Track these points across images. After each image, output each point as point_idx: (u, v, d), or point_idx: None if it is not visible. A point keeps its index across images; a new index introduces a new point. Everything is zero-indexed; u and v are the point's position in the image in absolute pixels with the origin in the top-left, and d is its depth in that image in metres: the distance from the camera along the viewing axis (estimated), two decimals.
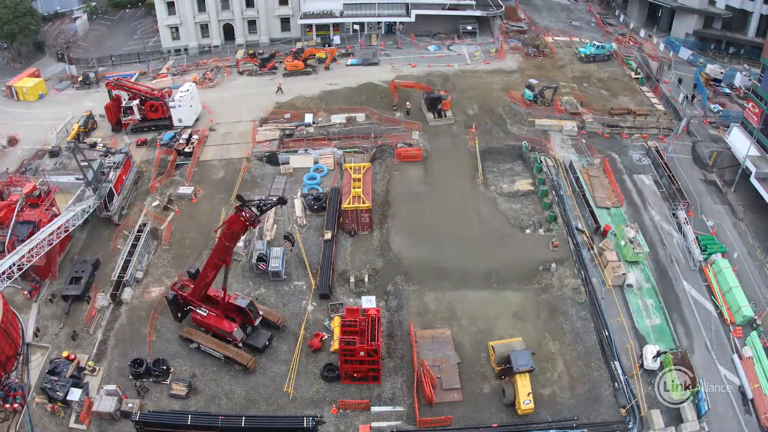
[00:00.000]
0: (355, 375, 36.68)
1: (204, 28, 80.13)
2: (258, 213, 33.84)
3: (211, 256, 36.10)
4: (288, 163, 54.97)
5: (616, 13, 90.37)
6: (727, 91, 66.52)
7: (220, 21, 79.64)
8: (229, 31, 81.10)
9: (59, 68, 76.89)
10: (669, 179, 51.56)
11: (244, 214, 33.32)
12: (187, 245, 47.00)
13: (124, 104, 59.92)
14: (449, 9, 79.92)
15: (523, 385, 34.98)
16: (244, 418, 34.45)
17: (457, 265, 44.72)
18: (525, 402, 34.57)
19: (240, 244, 46.00)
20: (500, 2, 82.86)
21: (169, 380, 37.24)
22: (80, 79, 72.73)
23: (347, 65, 73.12)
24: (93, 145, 57.93)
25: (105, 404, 35.00)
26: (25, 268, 39.12)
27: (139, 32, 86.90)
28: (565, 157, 55.40)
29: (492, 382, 37.26)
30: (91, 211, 46.79)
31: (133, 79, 66.99)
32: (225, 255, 35.68)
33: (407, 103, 61.54)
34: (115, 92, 59.98)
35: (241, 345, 38.61)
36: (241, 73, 72.56)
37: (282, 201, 34.32)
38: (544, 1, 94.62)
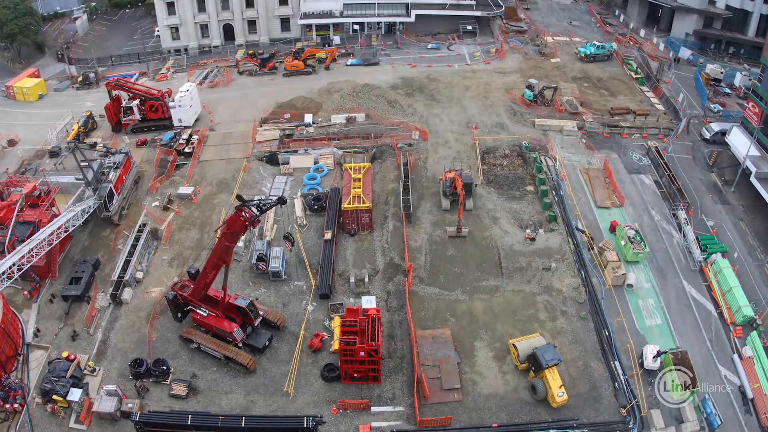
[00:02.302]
0: (355, 375, 36.67)
1: (204, 28, 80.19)
2: (258, 213, 33.87)
3: (211, 256, 36.12)
4: (288, 163, 54.99)
5: (616, 13, 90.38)
6: (727, 91, 66.45)
7: (220, 21, 79.72)
8: (229, 31, 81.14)
9: (59, 68, 76.97)
10: (669, 179, 51.56)
11: (244, 214, 33.36)
12: (187, 245, 47.02)
13: (124, 104, 59.94)
14: (449, 9, 79.98)
15: (554, 379, 35.30)
16: (244, 418, 34.46)
17: (459, 264, 44.85)
18: (559, 395, 34.85)
19: (240, 244, 46.02)
20: (500, 2, 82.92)
21: (169, 380, 37.22)
22: (80, 79, 72.79)
23: (347, 65, 73.17)
24: (93, 145, 57.96)
25: (105, 404, 34.97)
26: (25, 269, 39.09)
27: (139, 32, 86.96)
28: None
29: (491, 381, 37.31)
30: (91, 211, 46.80)
31: (133, 80, 67.03)
32: (225, 255, 35.69)
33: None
34: (115, 92, 60.02)
35: (241, 345, 38.61)
36: (241, 73, 72.61)
37: (282, 201, 34.34)
38: (544, 1, 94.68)
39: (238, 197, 34.63)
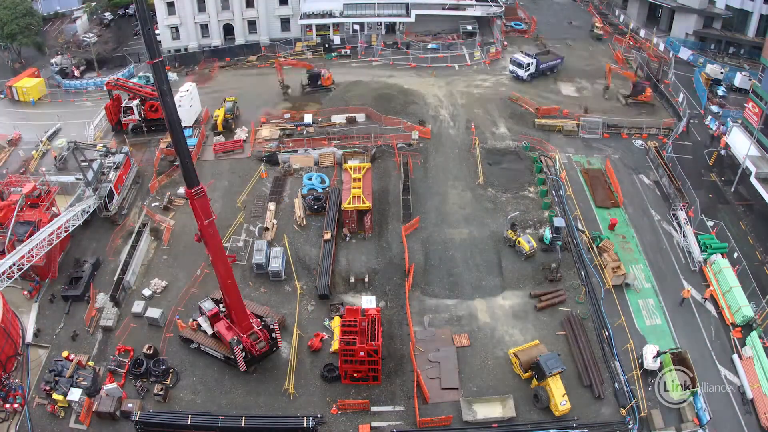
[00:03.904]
0: (355, 375, 36.67)
1: (204, 28, 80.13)
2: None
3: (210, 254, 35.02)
4: (288, 162, 54.97)
5: (616, 13, 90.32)
6: (725, 93, 66.18)
7: (220, 21, 79.62)
8: (229, 31, 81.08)
9: (59, 68, 76.79)
10: (669, 179, 51.55)
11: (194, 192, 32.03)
12: (187, 245, 46.94)
13: (124, 104, 59.91)
14: (449, 9, 79.93)
15: (557, 387, 34.98)
16: (244, 418, 34.48)
17: (459, 265, 44.87)
18: (562, 403, 34.59)
19: (240, 244, 46.13)
20: (500, 2, 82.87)
21: (169, 380, 37.20)
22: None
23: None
24: (93, 145, 57.92)
25: (105, 404, 35.02)
26: (25, 268, 39.07)
27: (139, 32, 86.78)
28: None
29: (491, 381, 37.33)
30: (91, 211, 46.82)
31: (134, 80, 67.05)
32: (217, 243, 33.98)
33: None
34: (115, 92, 60.00)
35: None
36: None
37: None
38: (544, 1, 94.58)
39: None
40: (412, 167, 53.24)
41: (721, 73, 67.58)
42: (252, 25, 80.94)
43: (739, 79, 66.42)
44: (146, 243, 46.75)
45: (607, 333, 39.46)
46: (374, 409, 35.95)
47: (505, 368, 38.01)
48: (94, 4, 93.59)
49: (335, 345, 38.35)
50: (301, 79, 67.08)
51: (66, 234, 43.73)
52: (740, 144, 52.69)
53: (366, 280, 43.85)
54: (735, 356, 38.67)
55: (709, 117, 61.15)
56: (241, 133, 59.12)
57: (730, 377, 37.75)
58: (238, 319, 36.50)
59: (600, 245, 45.29)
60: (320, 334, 39.87)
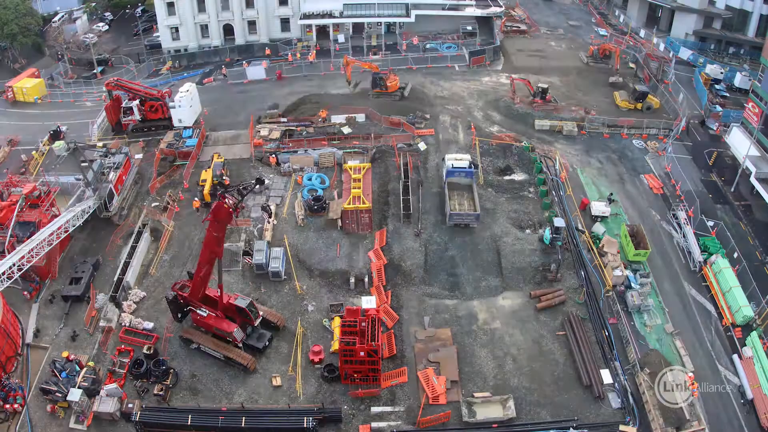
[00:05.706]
0: (355, 375, 36.68)
1: (204, 29, 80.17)
2: (240, 198, 34.53)
3: (203, 249, 35.97)
4: (288, 162, 54.94)
5: (616, 14, 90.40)
6: (725, 93, 66.19)
7: (219, 21, 79.66)
8: (229, 31, 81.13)
9: (59, 68, 76.88)
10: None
11: (227, 201, 33.82)
12: (186, 246, 46.96)
13: (123, 104, 59.88)
14: (449, 9, 79.94)
15: None
16: (244, 418, 34.46)
17: (459, 265, 44.87)
18: None
19: (240, 244, 46.11)
20: (500, 2, 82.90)
21: (169, 380, 37.19)
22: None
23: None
24: (93, 145, 57.93)
25: (105, 404, 35.02)
26: (25, 269, 39.07)
27: (139, 32, 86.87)
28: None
29: (490, 380, 37.29)
30: (91, 211, 46.82)
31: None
32: (216, 246, 35.44)
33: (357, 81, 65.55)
34: (115, 92, 59.96)
35: (241, 345, 38.64)
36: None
37: (260, 182, 34.62)
38: (544, 1, 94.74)
39: (220, 184, 34.55)
40: (412, 167, 53.24)
41: (721, 73, 67.62)
42: (252, 25, 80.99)
43: (739, 79, 66.47)
44: (146, 243, 46.74)
45: (607, 333, 39.46)
46: (374, 409, 35.94)
47: (505, 368, 38.02)
48: (93, 4, 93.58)
49: (335, 345, 38.34)
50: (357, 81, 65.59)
51: (66, 234, 43.73)
52: (740, 144, 52.66)
53: (366, 280, 43.84)
54: (735, 356, 38.68)
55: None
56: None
57: (730, 377, 37.75)
58: (195, 287, 37.88)
59: (600, 246, 45.32)
60: (319, 346, 39.18)
